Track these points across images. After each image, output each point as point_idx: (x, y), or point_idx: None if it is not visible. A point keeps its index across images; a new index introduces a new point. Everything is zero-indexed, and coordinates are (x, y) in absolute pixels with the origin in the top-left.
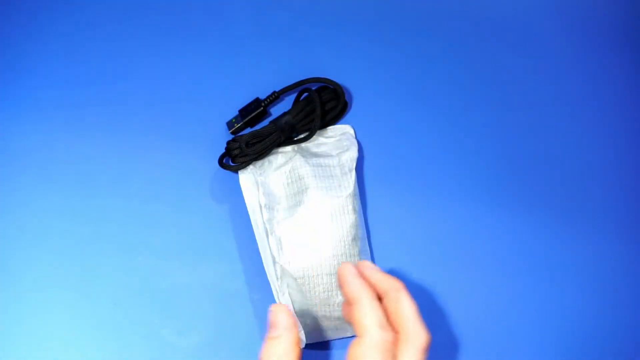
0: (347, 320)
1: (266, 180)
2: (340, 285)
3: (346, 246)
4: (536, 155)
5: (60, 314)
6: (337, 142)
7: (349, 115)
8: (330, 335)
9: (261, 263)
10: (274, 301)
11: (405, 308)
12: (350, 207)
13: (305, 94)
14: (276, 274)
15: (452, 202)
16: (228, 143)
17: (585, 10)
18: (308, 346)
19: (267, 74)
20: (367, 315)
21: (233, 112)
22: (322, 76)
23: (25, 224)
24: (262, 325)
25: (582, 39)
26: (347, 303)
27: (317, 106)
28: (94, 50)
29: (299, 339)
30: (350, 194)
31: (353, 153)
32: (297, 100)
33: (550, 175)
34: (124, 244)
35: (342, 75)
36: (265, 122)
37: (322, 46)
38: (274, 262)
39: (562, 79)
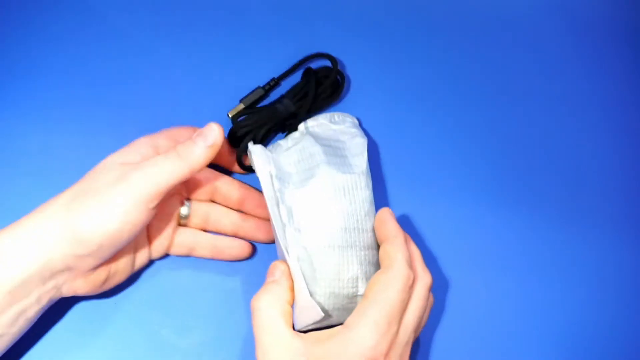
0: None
1: (278, 158)
2: (378, 227)
3: (359, 220)
4: (537, 155)
5: (60, 313)
6: (345, 129)
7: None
8: (336, 318)
9: (261, 263)
10: None
11: (416, 252)
12: (364, 183)
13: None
14: (286, 247)
15: (453, 201)
16: (230, 130)
17: (587, 10)
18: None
19: (268, 68)
20: (400, 251)
21: (235, 104)
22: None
23: None
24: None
25: (585, 39)
26: (381, 242)
27: (311, 78)
28: (93, 49)
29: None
30: (363, 172)
31: (362, 139)
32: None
33: (552, 174)
34: None
35: (345, 72)
36: None
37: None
38: (284, 231)
39: (565, 78)
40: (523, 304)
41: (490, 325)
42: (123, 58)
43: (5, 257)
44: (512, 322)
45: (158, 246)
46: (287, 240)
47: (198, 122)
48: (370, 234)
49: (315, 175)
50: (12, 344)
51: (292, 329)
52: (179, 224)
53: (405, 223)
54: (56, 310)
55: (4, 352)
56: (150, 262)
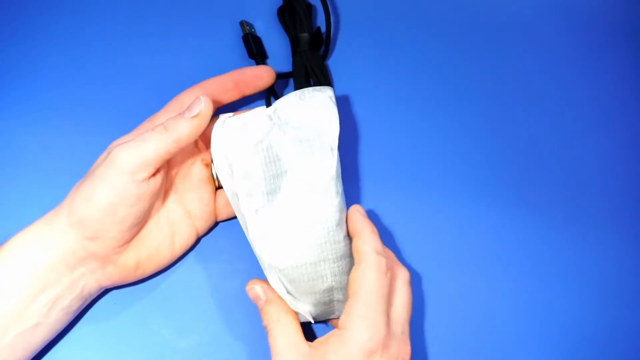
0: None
1: (243, 159)
2: (348, 225)
3: (330, 233)
4: (537, 154)
5: None
6: (316, 108)
7: (348, 113)
8: (320, 317)
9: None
10: None
11: (388, 251)
12: (334, 190)
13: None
14: (263, 265)
15: (451, 201)
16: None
17: (588, 10)
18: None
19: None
20: (366, 243)
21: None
22: None
23: (25, 225)
24: (262, 325)
25: (585, 39)
26: (351, 238)
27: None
28: (93, 49)
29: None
30: (332, 177)
31: (334, 125)
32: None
33: (552, 174)
34: None
35: (342, 75)
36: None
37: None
38: (253, 245)
39: (565, 78)
40: (523, 304)
41: (490, 326)
42: (123, 58)
43: (27, 247)
44: (511, 322)
45: (201, 218)
46: (263, 264)
47: None
48: (342, 244)
49: (282, 188)
50: (53, 336)
51: (301, 334)
52: (218, 187)
53: (404, 223)
54: None
55: (44, 344)
56: (199, 239)
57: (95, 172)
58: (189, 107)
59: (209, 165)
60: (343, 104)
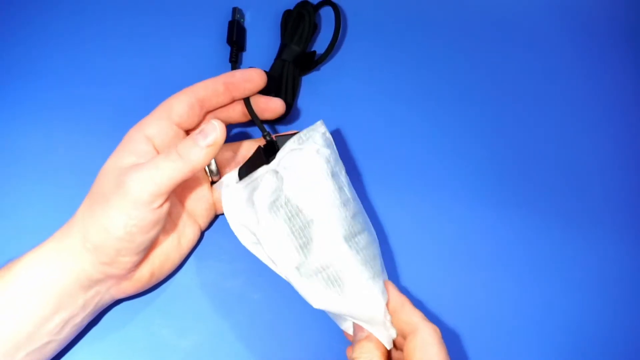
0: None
1: (264, 226)
2: (393, 313)
3: (369, 261)
4: (538, 154)
5: None
6: (315, 151)
7: (349, 113)
8: None
9: (261, 264)
10: (273, 301)
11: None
12: (359, 227)
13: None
14: (335, 318)
15: (452, 202)
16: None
17: (588, 10)
18: None
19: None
20: (415, 314)
21: None
22: None
23: (25, 225)
24: (262, 325)
25: (585, 38)
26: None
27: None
28: (93, 49)
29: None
30: (355, 213)
31: (333, 160)
32: (284, 25)
33: (552, 174)
34: None
35: (340, 72)
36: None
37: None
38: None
39: (565, 78)
40: (523, 305)
41: (490, 326)
42: (123, 58)
43: (41, 268)
44: (512, 322)
45: (201, 215)
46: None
47: None
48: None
49: (313, 240)
50: (61, 349)
51: None
52: (212, 182)
53: (404, 224)
54: None
55: (52, 357)
56: (203, 233)
57: (107, 198)
58: (202, 132)
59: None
60: (343, 104)
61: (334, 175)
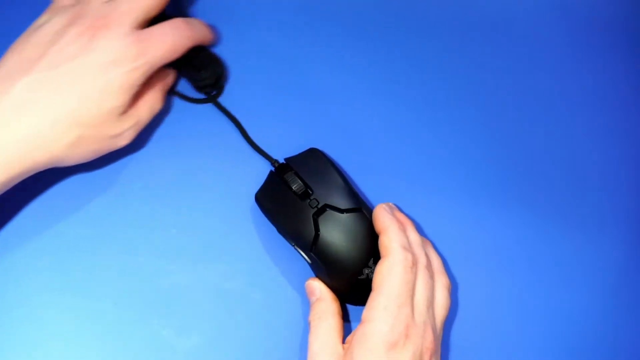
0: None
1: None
2: (374, 223)
3: None
4: (538, 154)
5: (60, 313)
6: None
7: (349, 113)
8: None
9: (261, 264)
10: (274, 301)
11: (414, 238)
12: None
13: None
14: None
15: (452, 202)
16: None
17: (588, 10)
18: None
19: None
20: (394, 239)
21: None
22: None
23: (25, 224)
24: (262, 325)
25: (585, 39)
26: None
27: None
28: None
29: (335, 297)
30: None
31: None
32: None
33: (552, 174)
34: (124, 244)
35: (341, 72)
36: None
37: (322, 44)
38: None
39: (565, 77)
40: (524, 305)
41: (490, 326)
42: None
43: None
44: (512, 323)
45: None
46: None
47: (196, 122)
48: None
49: None
50: None
51: (340, 337)
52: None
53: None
54: (56, 310)
55: None
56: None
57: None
58: None
59: None
60: (343, 104)
61: None
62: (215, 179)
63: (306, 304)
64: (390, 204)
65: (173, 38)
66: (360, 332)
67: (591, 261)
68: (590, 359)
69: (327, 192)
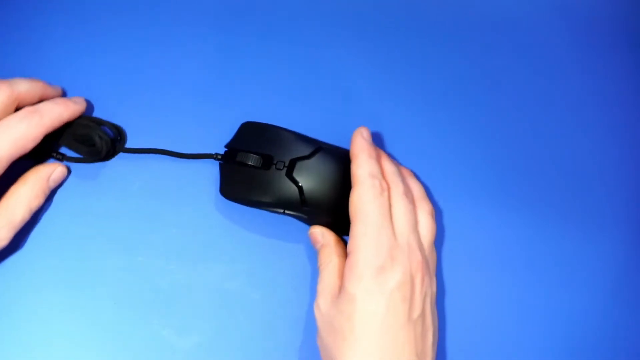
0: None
1: None
2: (350, 148)
3: None
4: (538, 155)
5: (60, 313)
6: None
7: (354, 117)
8: None
9: (261, 263)
10: (273, 301)
11: (388, 166)
12: None
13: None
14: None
15: (452, 202)
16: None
17: (588, 10)
18: None
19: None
20: (361, 167)
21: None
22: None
23: (25, 224)
24: (262, 325)
25: (585, 39)
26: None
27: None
28: (92, 49)
29: (338, 238)
30: None
31: None
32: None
33: (553, 174)
34: (124, 243)
35: (341, 76)
36: None
37: (320, 44)
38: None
39: (565, 78)
40: (524, 305)
41: (490, 326)
42: (120, 57)
43: None
44: (512, 323)
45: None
46: None
47: (198, 127)
48: None
49: None
50: None
51: (341, 278)
52: None
53: None
54: (56, 310)
55: None
56: None
57: None
58: None
59: None
60: (343, 104)
61: None
62: (216, 180)
63: (306, 304)
64: (365, 129)
65: (19, 130)
66: (347, 264)
67: (591, 261)
68: (590, 359)
69: (285, 149)
